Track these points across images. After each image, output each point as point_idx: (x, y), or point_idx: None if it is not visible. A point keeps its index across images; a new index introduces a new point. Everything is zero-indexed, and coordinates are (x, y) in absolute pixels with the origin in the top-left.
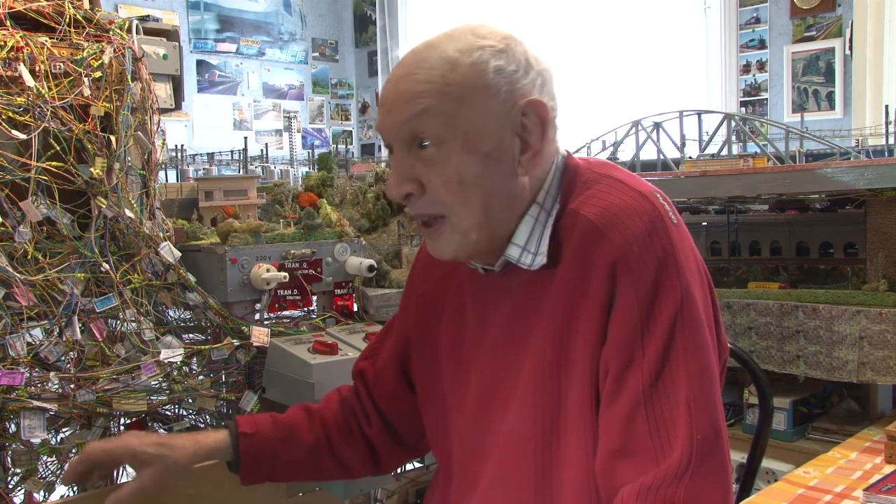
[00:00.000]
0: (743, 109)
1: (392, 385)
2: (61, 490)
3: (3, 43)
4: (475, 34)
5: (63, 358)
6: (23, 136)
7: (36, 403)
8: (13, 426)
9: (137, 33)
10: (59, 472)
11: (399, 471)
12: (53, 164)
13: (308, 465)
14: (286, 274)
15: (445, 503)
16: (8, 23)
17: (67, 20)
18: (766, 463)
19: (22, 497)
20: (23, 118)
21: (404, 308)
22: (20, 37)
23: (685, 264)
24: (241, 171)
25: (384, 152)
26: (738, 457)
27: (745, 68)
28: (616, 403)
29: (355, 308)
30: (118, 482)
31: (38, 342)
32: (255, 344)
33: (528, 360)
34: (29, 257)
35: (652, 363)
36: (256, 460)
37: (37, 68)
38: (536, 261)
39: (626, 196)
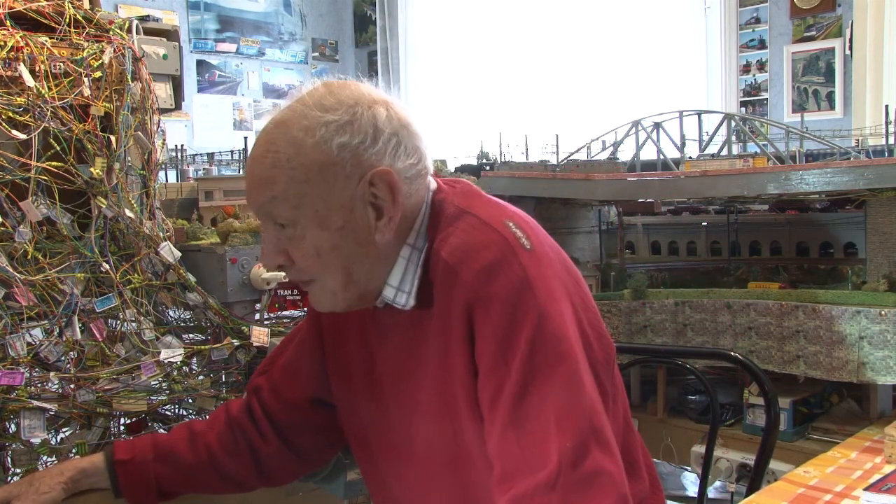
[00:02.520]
0: (743, 109)
1: (291, 396)
2: None
3: (3, 43)
4: (321, 107)
5: (63, 358)
6: (23, 136)
7: (36, 403)
8: (13, 426)
9: (137, 33)
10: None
11: None
12: (53, 164)
13: (195, 485)
14: (286, 274)
15: None
16: (8, 23)
17: (67, 20)
18: None
19: None
20: (23, 118)
21: (315, 324)
22: (20, 37)
23: (540, 285)
24: (241, 171)
25: None
26: (737, 456)
27: (745, 68)
28: (493, 430)
29: None
30: None
31: (38, 342)
32: (255, 344)
33: (424, 391)
34: (29, 257)
35: (515, 386)
36: (136, 487)
37: (37, 68)
38: (409, 301)
39: (475, 231)
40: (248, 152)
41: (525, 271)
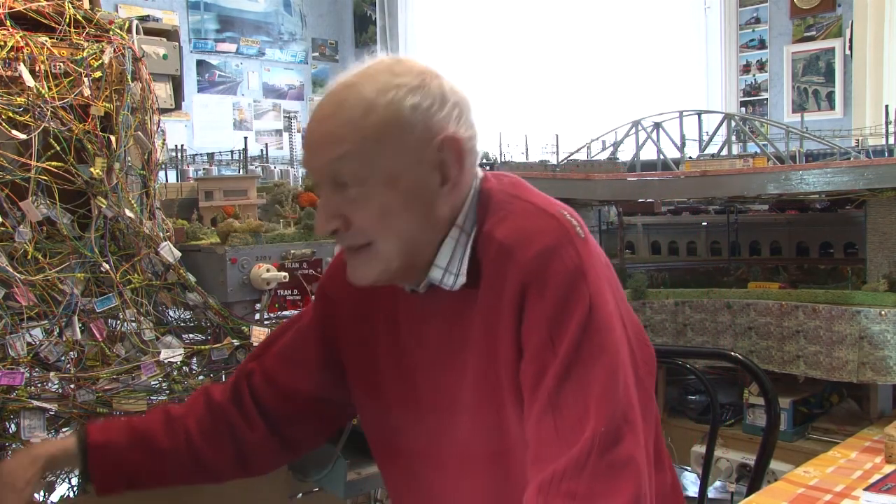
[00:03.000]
0: (743, 109)
1: (287, 386)
2: (61, 490)
3: (3, 43)
4: (391, 72)
5: (63, 358)
6: (23, 136)
7: (36, 403)
8: (13, 426)
9: (137, 33)
10: (58, 472)
11: None
12: (53, 164)
13: (168, 473)
14: (286, 274)
15: None
16: (8, 23)
17: (67, 20)
18: None
19: None
20: (23, 118)
21: (325, 319)
22: (20, 37)
23: (592, 275)
24: (241, 171)
25: None
26: (737, 456)
27: (745, 68)
28: (531, 412)
29: None
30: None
31: (38, 342)
32: (255, 344)
33: (466, 378)
34: (29, 257)
35: (559, 370)
36: (110, 474)
37: (37, 68)
38: (458, 281)
39: (533, 216)
40: (315, 108)
41: (580, 258)
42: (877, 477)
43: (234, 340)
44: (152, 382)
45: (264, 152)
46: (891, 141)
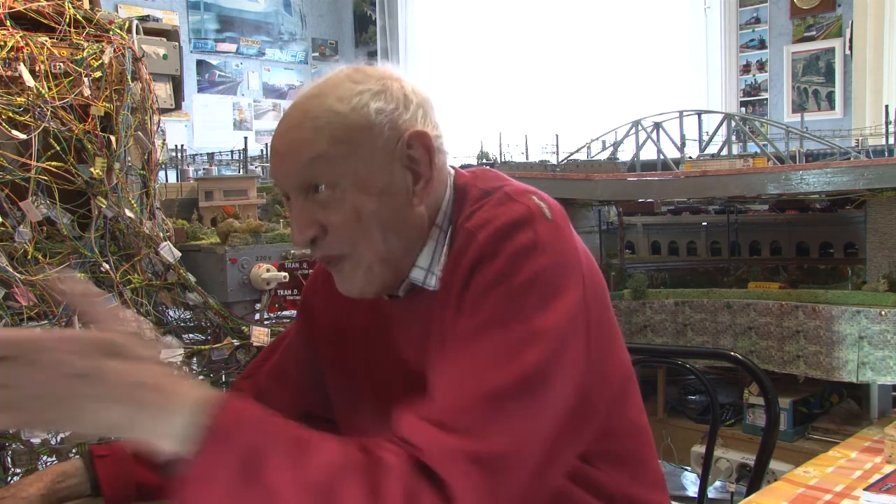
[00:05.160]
0: (743, 109)
1: (278, 406)
2: None
3: (3, 43)
4: (352, 80)
5: None
6: (23, 136)
7: None
8: None
9: (137, 33)
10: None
11: None
12: (53, 164)
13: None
14: (286, 274)
15: None
16: (8, 23)
17: (67, 20)
18: None
19: None
20: (23, 118)
21: (308, 332)
22: (20, 37)
23: (549, 253)
24: (241, 171)
25: None
26: (737, 456)
27: (745, 68)
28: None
29: None
30: None
31: None
32: (255, 344)
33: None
34: (29, 257)
35: (472, 331)
36: (119, 484)
37: (37, 68)
38: (436, 281)
39: (501, 205)
40: (279, 124)
41: (537, 236)
42: (877, 477)
43: (234, 340)
44: None
45: (264, 152)
46: (891, 141)
